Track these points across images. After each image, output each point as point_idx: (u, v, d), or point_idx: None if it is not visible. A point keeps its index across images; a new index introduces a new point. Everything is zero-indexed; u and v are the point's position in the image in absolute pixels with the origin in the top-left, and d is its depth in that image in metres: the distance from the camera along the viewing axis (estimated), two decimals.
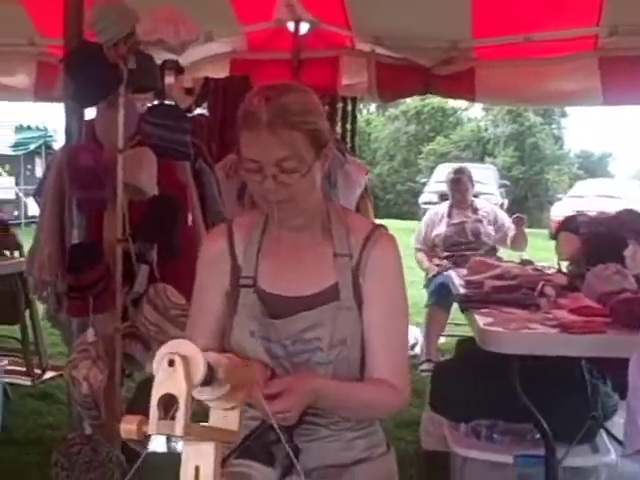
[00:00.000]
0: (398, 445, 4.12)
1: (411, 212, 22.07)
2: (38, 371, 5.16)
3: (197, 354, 1.15)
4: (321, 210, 1.80)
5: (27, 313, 5.11)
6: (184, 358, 1.13)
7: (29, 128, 16.32)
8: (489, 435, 3.17)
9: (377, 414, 1.85)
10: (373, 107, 30.93)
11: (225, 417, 1.32)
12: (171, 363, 1.12)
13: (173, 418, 1.11)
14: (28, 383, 5.01)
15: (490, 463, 3.09)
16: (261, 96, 1.64)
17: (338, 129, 5.31)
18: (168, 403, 1.14)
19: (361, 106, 29.92)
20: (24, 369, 5.09)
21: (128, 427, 1.11)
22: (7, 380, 4.74)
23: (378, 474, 1.82)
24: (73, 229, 2.85)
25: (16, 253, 4.98)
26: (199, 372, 1.14)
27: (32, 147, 16.59)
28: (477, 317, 3.08)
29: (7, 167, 16.95)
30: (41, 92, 5.68)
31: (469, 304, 3.36)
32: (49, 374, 5.18)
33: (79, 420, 2.83)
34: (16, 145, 15.96)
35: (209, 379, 1.19)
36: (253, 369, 1.60)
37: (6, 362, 4.47)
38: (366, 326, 1.75)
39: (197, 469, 1.21)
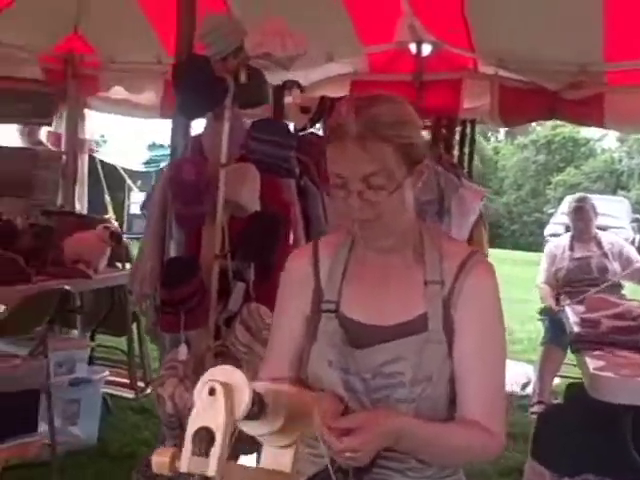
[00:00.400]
0: None
1: (537, 244, 21.33)
2: (142, 384, 5.15)
3: (243, 383, 1.03)
4: (413, 232, 1.64)
5: (135, 326, 5.17)
6: (227, 387, 1.01)
7: (161, 146, 16.80)
8: None
9: (467, 460, 1.66)
10: (502, 135, 30.32)
11: (278, 456, 1.19)
12: (212, 392, 1.00)
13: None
14: (131, 396, 5.02)
15: None
16: (350, 106, 1.51)
17: (455, 152, 5.13)
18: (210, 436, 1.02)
19: (489, 134, 29.45)
20: (128, 382, 5.11)
21: (160, 460, 1.00)
22: (110, 392, 4.80)
23: None
24: (171, 243, 2.81)
25: (127, 265, 4.98)
26: (243, 403, 1.01)
27: (162, 164, 17.08)
28: (588, 360, 2.84)
29: (139, 183, 17.52)
30: (166, 109, 5.75)
31: (581, 344, 3.10)
32: (152, 388, 5.16)
33: (163, 440, 2.76)
34: (148, 162, 16.45)
35: (257, 412, 1.06)
36: (316, 404, 1.47)
37: (107, 373, 4.50)
38: (456, 362, 1.57)
39: None
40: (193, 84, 2.77)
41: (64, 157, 6.05)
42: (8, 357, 3.53)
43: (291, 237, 3.29)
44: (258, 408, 1.06)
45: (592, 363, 2.79)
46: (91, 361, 4.75)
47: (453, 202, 4.46)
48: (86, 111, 6.49)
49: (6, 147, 6.30)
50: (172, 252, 2.83)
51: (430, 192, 4.34)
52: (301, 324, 1.68)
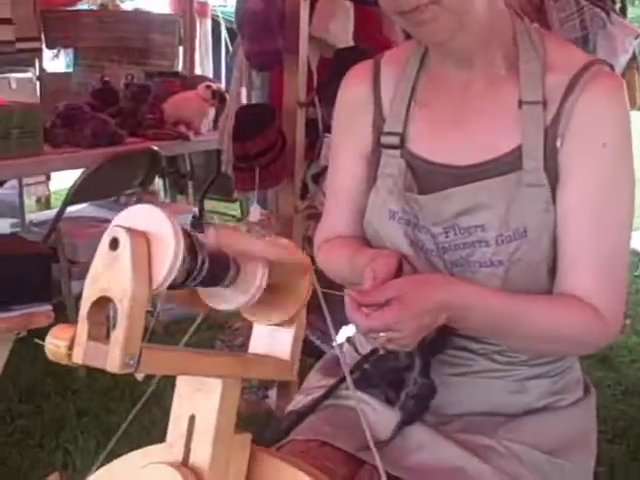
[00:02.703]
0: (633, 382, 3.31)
1: None
2: None
3: (167, 229, 0.63)
4: (502, 31, 1.17)
5: None
6: (138, 236, 0.63)
7: None
8: None
9: (563, 350, 1.21)
10: None
11: (272, 337, 0.83)
12: (114, 244, 0.64)
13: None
14: None
15: None
16: None
17: None
18: None
19: None
20: None
21: (54, 345, 0.65)
22: None
23: (565, 431, 1.22)
24: (241, 88, 2.43)
25: None
26: (164, 261, 0.63)
27: None
28: None
29: None
30: None
31: None
32: None
33: None
34: None
35: (209, 275, 0.69)
36: (367, 266, 1.09)
37: None
38: (561, 214, 1.13)
39: (192, 419, 0.74)
40: None
41: (180, 21, 5.78)
42: (101, 222, 3.39)
43: None
44: (208, 270, 0.68)
45: None
46: (202, 227, 4.57)
47: (599, 40, 3.81)
48: None
49: (119, 11, 6.11)
50: (244, 99, 2.46)
51: (572, 30, 3.75)
52: (360, 165, 1.29)
